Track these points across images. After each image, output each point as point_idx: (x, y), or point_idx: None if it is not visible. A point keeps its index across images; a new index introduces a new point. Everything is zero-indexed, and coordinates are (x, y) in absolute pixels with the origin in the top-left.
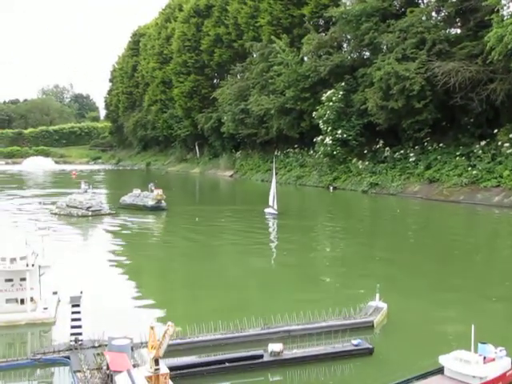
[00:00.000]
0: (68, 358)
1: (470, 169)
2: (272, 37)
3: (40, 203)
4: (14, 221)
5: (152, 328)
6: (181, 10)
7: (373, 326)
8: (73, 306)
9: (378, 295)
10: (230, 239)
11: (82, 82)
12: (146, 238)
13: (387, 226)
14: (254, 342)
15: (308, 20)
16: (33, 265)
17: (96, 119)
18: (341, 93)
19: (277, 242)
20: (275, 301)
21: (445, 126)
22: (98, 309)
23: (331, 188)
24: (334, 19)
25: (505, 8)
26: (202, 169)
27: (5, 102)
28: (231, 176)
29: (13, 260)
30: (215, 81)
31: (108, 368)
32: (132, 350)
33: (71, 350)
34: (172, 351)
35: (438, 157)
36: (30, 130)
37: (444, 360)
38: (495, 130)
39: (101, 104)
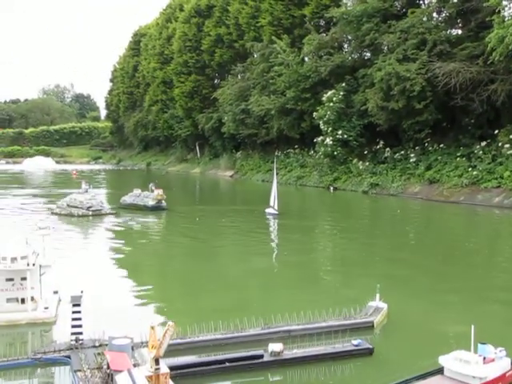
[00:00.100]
0: (68, 357)
1: (470, 169)
2: (273, 37)
3: (40, 203)
4: (14, 220)
5: (152, 328)
6: (182, 10)
7: (373, 326)
8: (73, 305)
9: (378, 295)
10: (230, 239)
11: (83, 82)
12: (147, 238)
13: (387, 226)
14: (254, 342)
15: (309, 20)
16: (33, 264)
17: (97, 119)
18: (341, 93)
19: (277, 242)
20: (275, 301)
21: (445, 127)
22: (99, 308)
23: (331, 188)
24: (334, 20)
25: (506, 9)
26: (203, 169)
27: (5, 102)
28: (232, 176)
29: (13, 259)
30: (216, 81)
31: (108, 367)
32: (132, 349)
33: (72, 349)
34: (172, 351)
35: (439, 157)
36: (30, 129)
37: (444, 360)
38: (496, 131)
39: (101, 104)
